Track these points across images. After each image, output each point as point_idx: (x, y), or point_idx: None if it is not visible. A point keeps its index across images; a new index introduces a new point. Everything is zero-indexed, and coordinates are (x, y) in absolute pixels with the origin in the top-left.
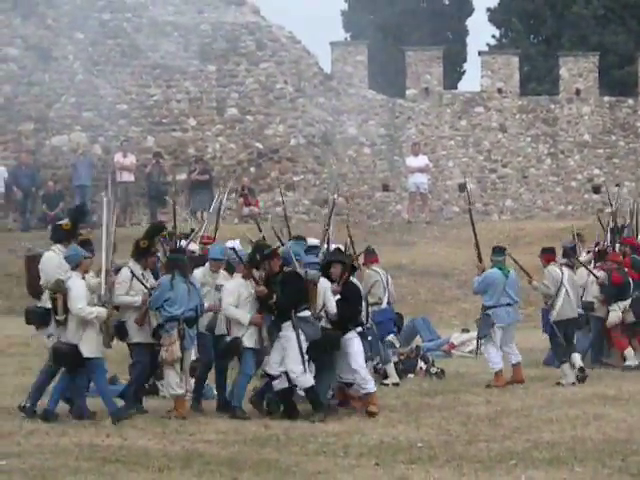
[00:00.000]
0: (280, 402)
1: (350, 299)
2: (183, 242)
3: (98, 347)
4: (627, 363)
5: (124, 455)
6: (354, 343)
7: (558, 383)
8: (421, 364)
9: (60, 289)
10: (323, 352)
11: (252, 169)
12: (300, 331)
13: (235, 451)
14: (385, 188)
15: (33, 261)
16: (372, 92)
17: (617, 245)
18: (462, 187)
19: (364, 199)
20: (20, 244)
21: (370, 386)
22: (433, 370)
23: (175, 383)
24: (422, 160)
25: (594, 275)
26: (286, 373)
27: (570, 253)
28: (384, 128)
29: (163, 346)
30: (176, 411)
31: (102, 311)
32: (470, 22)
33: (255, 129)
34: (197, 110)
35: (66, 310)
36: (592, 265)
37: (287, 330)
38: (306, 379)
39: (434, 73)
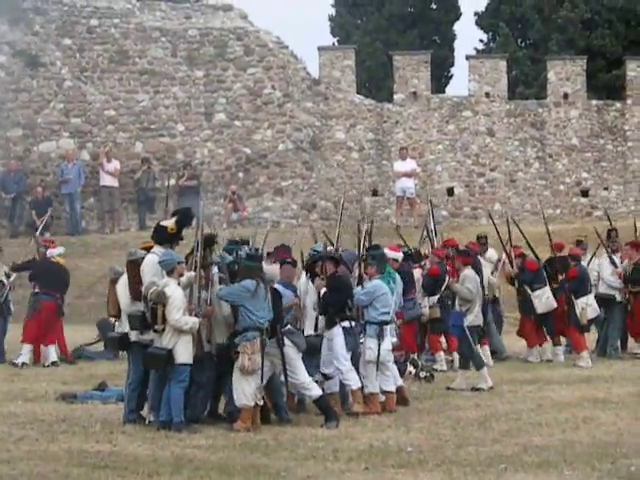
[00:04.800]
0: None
1: (337, 290)
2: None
3: (190, 354)
4: (435, 366)
5: (114, 461)
6: (337, 342)
7: (477, 389)
8: (410, 368)
9: (161, 300)
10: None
11: (240, 174)
12: (290, 344)
13: (224, 456)
14: (374, 193)
15: (135, 265)
16: (360, 97)
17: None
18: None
19: (352, 203)
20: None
21: (352, 383)
22: (422, 374)
23: (249, 393)
24: (410, 164)
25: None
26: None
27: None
28: (372, 133)
29: (244, 354)
30: (240, 423)
31: (196, 321)
32: (457, 26)
33: (243, 134)
34: (185, 116)
35: (164, 320)
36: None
37: (272, 347)
38: (315, 389)
39: (422, 77)
